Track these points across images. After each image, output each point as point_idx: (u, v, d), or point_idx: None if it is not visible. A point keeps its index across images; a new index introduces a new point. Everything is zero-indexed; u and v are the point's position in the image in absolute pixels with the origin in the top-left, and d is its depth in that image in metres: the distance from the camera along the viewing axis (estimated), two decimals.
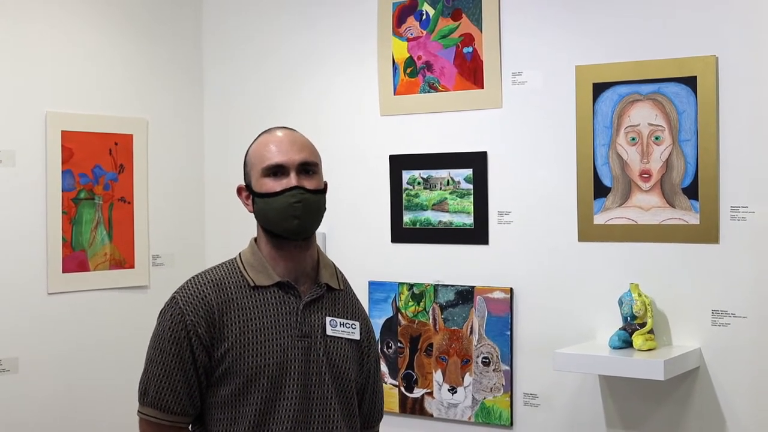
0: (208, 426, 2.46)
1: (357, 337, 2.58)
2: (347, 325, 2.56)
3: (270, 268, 2.49)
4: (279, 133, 2.52)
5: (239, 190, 2.55)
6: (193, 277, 2.51)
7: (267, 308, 2.46)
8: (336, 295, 2.58)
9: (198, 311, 2.42)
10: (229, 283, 2.48)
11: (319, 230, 4.22)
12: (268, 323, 2.45)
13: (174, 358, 2.41)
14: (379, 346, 4.13)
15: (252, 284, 2.47)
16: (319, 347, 2.49)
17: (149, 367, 2.46)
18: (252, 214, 2.52)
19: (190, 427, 2.50)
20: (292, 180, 2.44)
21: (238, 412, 2.42)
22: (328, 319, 2.52)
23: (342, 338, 2.54)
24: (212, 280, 2.48)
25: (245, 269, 2.50)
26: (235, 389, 2.42)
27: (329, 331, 2.52)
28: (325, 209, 2.52)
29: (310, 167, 2.48)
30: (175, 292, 2.49)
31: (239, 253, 2.55)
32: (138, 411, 2.47)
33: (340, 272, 2.64)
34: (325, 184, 2.54)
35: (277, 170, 2.45)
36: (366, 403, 2.66)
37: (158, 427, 2.44)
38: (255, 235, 2.56)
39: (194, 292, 2.45)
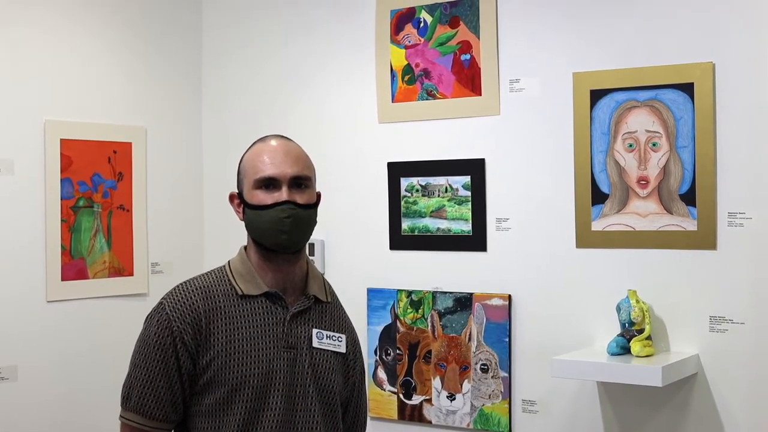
0: None
1: (343, 350, 2.57)
2: (333, 338, 2.55)
3: (258, 278, 2.48)
4: (273, 143, 2.50)
5: (231, 197, 2.54)
6: (181, 284, 2.50)
7: (254, 318, 2.46)
8: (323, 308, 2.57)
9: (185, 318, 2.42)
10: (217, 291, 2.47)
11: (317, 237, 4.25)
12: (255, 333, 2.44)
13: (159, 364, 2.41)
14: (378, 353, 4.13)
15: (240, 293, 2.47)
16: (305, 359, 2.48)
17: (133, 371, 2.45)
18: (243, 222, 2.52)
19: None
20: (283, 194, 2.42)
21: (221, 422, 2.41)
22: (314, 331, 2.52)
23: (328, 351, 2.53)
24: (200, 288, 2.47)
25: (234, 278, 2.49)
26: (220, 398, 2.41)
27: (315, 343, 2.51)
28: (315, 222, 2.51)
29: (302, 181, 2.46)
30: (162, 298, 2.48)
31: (228, 261, 2.54)
32: (120, 415, 2.46)
33: (329, 284, 2.63)
34: (318, 195, 2.53)
35: (269, 183, 2.43)
36: (349, 416, 2.66)
37: None
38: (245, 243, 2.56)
39: (182, 298, 2.45)
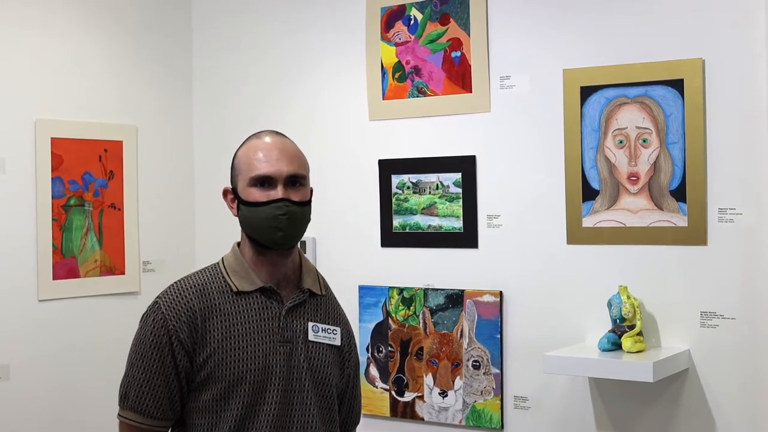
0: (188, 430, 2.46)
1: (338, 342, 2.58)
2: (329, 331, 2.56)
3: (253, 274, 2.48)
4: (267, 139, 2.49)
5: (225, 193, 2.53)
6: (175, 282, 2.50)
7: (250, 314, 2.46)
8: (318, 301, 2.58)
9: (180, 317, 2.42)
10: (212, 288, 2.47)
11: (309, 235, 4.25)
12: (251, 329, 2.45)
13: (155, 363, 2.41)
14: (370, 351, 4.14)
15: (235, 290, 2.47)
16: (301, 353, 2.49)
17: (130, 371, 2.45)
18: (236, 217, 2.52)
19: (169, 431, 2.50)
20: (279, 192, 2.42)
21: (218, 417, 2.42)
22: (310, 324, 2.52)
23: (323, 344, 2.54)
24: (195, 286, 2.47)
25: (228, 274, 2.49)
26: (217, 394, 2.42)
27: (311, 337, 2.52)
28: (310, 219, 2.52)
29: (298, 179, 2.46)
30: (157, 297, 2.48)
31: (222, 258, 2.54)
32: (118, 414, 2.47)
33: (322, 277, 2.64)
34: (311, 191, 2.54)
35: (264, 181, 2.43)
36: (344, 407, 2.67)
37: (138, 430, 2.44)
38: (239, 239, 2.56)
39: (177, 297, 2.45)
